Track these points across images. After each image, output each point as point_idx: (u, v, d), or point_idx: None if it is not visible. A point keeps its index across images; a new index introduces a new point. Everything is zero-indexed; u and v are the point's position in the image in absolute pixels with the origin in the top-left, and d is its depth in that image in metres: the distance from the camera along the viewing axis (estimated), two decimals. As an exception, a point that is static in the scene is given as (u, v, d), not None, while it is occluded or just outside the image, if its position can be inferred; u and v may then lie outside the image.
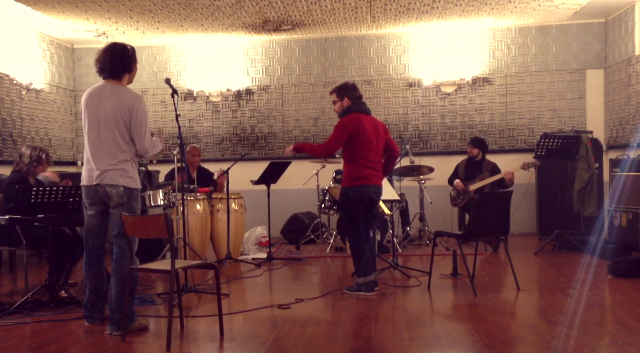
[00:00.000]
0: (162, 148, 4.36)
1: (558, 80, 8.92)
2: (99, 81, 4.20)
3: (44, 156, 5.34)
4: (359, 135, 4.98)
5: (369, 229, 5.23)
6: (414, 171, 7.56)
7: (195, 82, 9.41)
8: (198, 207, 6.77)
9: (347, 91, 5.18)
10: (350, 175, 5.07)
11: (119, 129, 4.01)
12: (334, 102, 5.28)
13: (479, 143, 7.61)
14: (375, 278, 5.14)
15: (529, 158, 7.96)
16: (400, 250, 7.20)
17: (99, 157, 4.02)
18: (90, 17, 7.86)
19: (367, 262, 5.08)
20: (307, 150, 5.21)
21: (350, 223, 5.14)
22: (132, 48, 4.16)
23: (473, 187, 7.36)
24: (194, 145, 8.00)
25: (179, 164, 5.85)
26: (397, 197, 5.97)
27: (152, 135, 4.25)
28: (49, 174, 5.63)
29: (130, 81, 4.19)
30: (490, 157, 7.72)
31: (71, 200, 4.84)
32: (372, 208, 5.19)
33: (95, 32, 8.59)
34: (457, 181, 7.57)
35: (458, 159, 8.09)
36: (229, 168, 6.92)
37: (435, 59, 9.05)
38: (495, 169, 7.45)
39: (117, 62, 4.06)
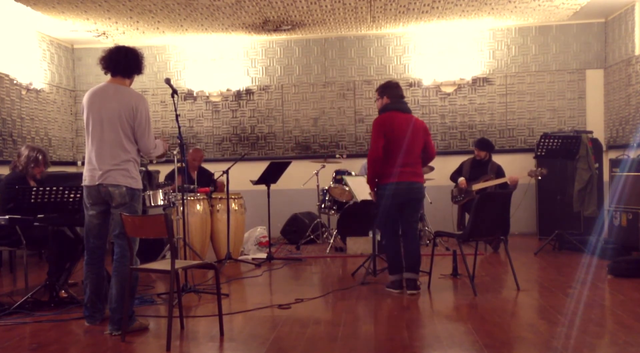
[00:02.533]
0: (164, 151, 4.37)
1: (558, 80, 8.92)
2: (99, 81, 4.23)
3: (40, 157, 5.31)
4: (390, 133, 5.03)
5: (411, 228, 5.22)
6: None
7: (195, 82, 9.41)
8: (198, 207, 6.77)
9: (388, 89, 5.25)
10: (382, 173, 5.12)
11: (123, 129, 4.02)
12: (376, 100, 5.37)
13: (486, 145, 7.58)
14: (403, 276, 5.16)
15: (529, 158, 7.98)
16: (400, 250, 7.20)
17: (102, 157, 4.03)
18: (90, 17, 7.86)
19: (395, 260, 5.11)
20: (370, 176, 5.17)
21: (380, 221, 5.23)
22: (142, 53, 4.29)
23: (476, 187, 7.35)
24: (197, 148, 7.98)
25: (179, 164, 5.85)
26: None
27: (155, 138, 4.28)
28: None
29: (130, 83, 4.24)
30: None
31: (71, 200, 4.84)
32: (406, 206, 5.14)
33: (95, 32, 8.59)
34: (461, 179, 7.55)
35: (458, 159, 8.08)
36: (229, 168, 6.92)
37: (435, 59, 9.05)
38: (500, 171, 7.44)
39: (133, 61, 4.14)
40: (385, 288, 5.21)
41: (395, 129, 5.04)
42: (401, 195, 5.07)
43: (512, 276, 5.22)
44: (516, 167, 8.31)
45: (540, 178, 7.30)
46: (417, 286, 5.09)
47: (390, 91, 5.24)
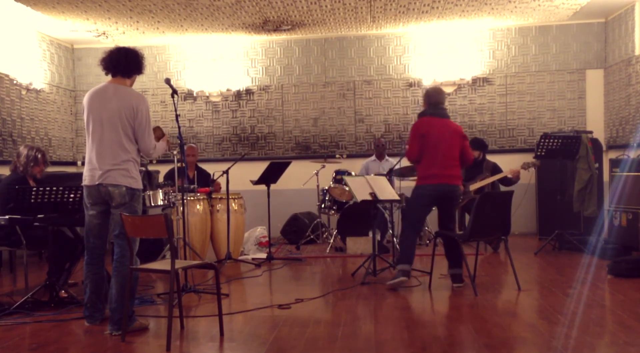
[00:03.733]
0: (163, 151, 4.40)
1: (558, 80, 8.92)
2: (99, 81, 4.24)
3: (39, 156, 5.32)
4: (426, 137, 5.23)
5: (447, 229, 5.43)
6: (414, 171, 7.54)
7: (195, 82, 9.41)
8: (198, 207, 6.77)
9: (425, 97, 5.51)
10: (418, 174, 5.38)
11: (123, 128, 4.03)
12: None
13: (478, 144, 7.58)
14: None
15: (529, 158, 7.96)
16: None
17: (102, 156, 4.03)
18: (90, 17, 7.86)
19: (408, 251, 5.25)
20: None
21: (406, 216, 5.50)
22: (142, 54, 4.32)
23: (473, 187, 7.35)
24: (191, 145, 7.99)
25: (179, 164, 5.85)
26: (397, 197, 5.97)
27: (163, 134, 4.32)
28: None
29: (132, 84, 4.24)
30: (490, 157, 7.69)
31: (71, 200, 4.84)
32: (440, 207, 5.42)
33: (95, 32, 8.59)
34: None
35: (458, 159, 8.07)
36: (229, 168, 6.92)
37: (435, 59, 9.05)
38: (495, 169, 7.44)
39: (133, 61, 4.15)
40: (389, 282, 5.23)
41: (432, 133, 5.24)
42: (435, 196, 5.29)
43: (512, 276, 5.22)
44: (517, 167, 8.29)
45: (534, 169, 7.29)
46: (462, 279, 5.30)
47: (429, 98, 5.46)
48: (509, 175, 7.22)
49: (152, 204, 5.97)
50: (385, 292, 5.20)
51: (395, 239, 6.70)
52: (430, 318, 4.37)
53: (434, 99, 5.42)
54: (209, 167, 7.81)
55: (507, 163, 8.03)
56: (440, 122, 5.32)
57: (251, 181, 7.13)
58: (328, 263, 6.82)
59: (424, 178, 5.28)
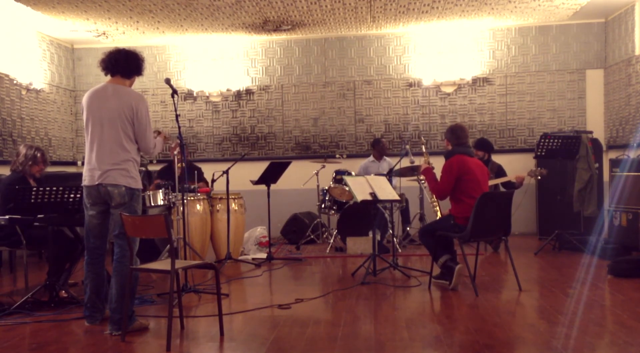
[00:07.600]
0: (161, 148, 4.41)
1: (558, 80, 8.92)
2: (99, 81, 4.25)
3: (38, 155, 5.32)
4: (465, 176, 5.22)
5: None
6: (414, 171, 7.55)
7: (195, 82, 9.41)
8: (198, 207, 6.77)
9: (452, 135, 5.45)
10: (457, 211, 5.25)
11: (123, 128, 4.04)
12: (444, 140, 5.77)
13: (484, 145, 7.57)
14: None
15: (529, 158, 7.98)
16: (400, 250, 7.21)
17: (101, 156, 4.04)
18: (90, 17, 7.86)
19: (440, 241, 5.29)
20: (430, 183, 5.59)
21: (426, 228, 5.52)
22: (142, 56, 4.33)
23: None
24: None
25: (179, 164, 5.86)
26: (397, 197, 5.98)
27: (159, 133, 4.33)
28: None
29: (130, 85, 4.25)
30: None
31: (71, 200, 4.84)
32: None
33: (95, 32, 8.59)
34: None
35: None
36: (229, 168, 6.92)
37: (435, 59, 9.05)
38: (500, 171, 7.43)
39: (133, 62, 4.16)
40: (437, 279, 5.32)
41: (471, 173, 5.22)
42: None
43: (512, 276, 5.22)
44: (516, 167, 8.30)
45: (539, 178, 7.29)
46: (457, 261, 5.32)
47: (457, 138, 5.40)
48: (514, 180, 7.18)
49: (152, 204, 5.98)
50: (386, 291, 5.21)
51: (395, 239, 6.69)
52: (430, 318, 4.37)
53: (464, 139, 5.40)
54: (209, 167, 7.80)
55: (508, 163, 8.04)
56: (474, 162, 5.35)
57: (251, 181, 7.13)
58: (328, 263, 6.82)
59: (463, 219, 5.15)
